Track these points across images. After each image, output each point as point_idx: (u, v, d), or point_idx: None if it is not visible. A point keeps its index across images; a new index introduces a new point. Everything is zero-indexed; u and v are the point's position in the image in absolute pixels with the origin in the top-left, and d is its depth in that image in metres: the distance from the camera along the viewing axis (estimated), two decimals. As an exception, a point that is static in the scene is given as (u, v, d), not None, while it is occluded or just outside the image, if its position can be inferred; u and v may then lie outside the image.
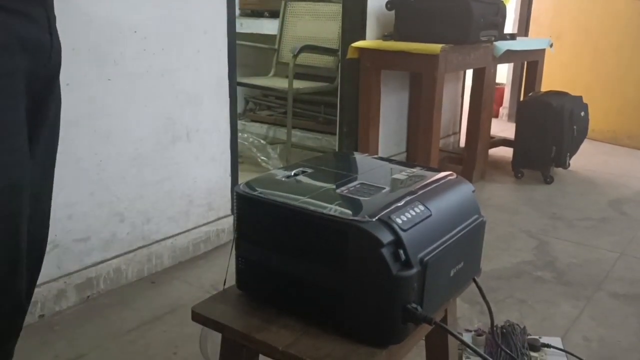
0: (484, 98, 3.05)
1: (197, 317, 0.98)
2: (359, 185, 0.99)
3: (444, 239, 0.93)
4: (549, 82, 3.88)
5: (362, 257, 0.85)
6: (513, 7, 4.79)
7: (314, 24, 3.65)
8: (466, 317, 1.74)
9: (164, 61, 1.90)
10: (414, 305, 0.86)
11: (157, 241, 2.01)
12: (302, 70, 3.49)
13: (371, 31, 2.88)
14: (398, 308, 0.85)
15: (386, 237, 0.83)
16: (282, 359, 0.88)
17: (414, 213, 0.90)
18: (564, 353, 1.56)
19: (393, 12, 2.78)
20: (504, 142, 3.62)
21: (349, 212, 0.88)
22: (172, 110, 1.97)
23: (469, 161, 3.15)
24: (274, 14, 3.85)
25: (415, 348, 1.10)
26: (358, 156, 1.30)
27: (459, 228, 0.97)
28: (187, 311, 1.00)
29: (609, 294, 1.95)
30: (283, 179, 1.03)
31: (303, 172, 1.05)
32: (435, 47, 2.55)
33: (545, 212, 2.74)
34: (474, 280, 1.07)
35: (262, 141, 3.36)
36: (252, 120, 3.97)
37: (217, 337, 0.99)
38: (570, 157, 3.23)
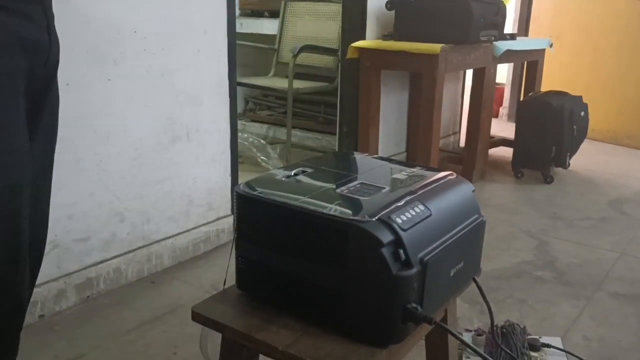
0: (484, 98, 3.05)
1: (197, 317, 0.98)
2: (359, 185, 0.99)
3: (444, 238, 0.93)
4: (549, 82, 3.88)
5: (362, 257, 0.85)
6: (513, 7, 4.79)
7: (314, 24, 3.65)
8: (466, 317, 1.74)
9: (164, 61, 1.90)
10: (414, 305, 0.86)
11: (157, 241, 2.01)
12: (302, 70, 3.49)
13: (371, 31, 2.88)
14: (398, 308, 0.85)
15: (386, 236, 0.83)
16: (282, 359, 0.88)
17: (414, 213, 0.90)
18: (564, 353, 1.56)
19: (393, 12, 2.78)
20: (504, 142, 3.62)
21: (349, 211, 0.88)
22: (172, 110, 1.97)
23: (469, 161, 3.15)
24: (274, 14, 3.85)
25: (415, 348, 1.10)
26: (358, 156, 1.30)
27: (459, 228, 0.97)
28: (187, 311, 1.00)
29: (609, 294, 1.95)
30: (283, 178, 1.03)
31: (303, 172, 1.05)
32: (435, 47, 2.55)
33: (545, 212, 2.74)
34: (474, 280, 1.07)
35: (262, 141, 3.36)
36: (252, 120, 3.97)
37: (217, 337, 0.99)
38: (570, 157, 3.23)
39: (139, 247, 1.96)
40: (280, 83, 3.44)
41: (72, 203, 1.73)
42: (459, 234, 0.96)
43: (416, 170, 1.10)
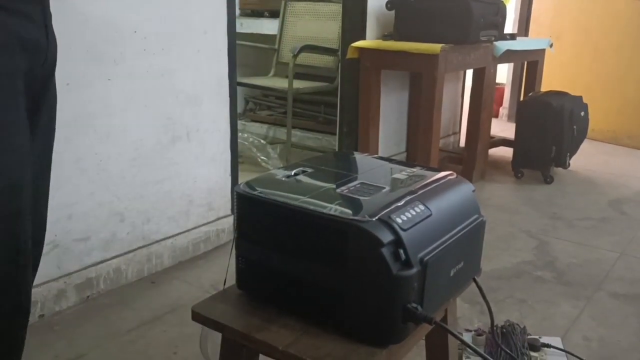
0: (484, 98, 3.05)
1: (197, 316, 0.98)
2: (359, 185, 0.99)
3: (444, 238, 0.93)
4: (549, 82, 3.88)
5: (362, 257, 0.85)
6: (513, 7, 4.79)
7: (314, 24, 3.65)
8: (466, 317, 1.74)
9: (164, 61, 1.90)
10: (414, 305, 0.86)
11: (157, 241, 2.01)
12: (302, 70, 3.49)
13: (371, 31, 2.88)
14: (398, 308, 0.85)
15: (386, 236, 0.83)
16: (282, 359, 0.88)
17: (414, 213, 0.90)
18: (564, 353, 1.56)
19: (393, 12, 2.78)
20: (504, 142, 3.62)
21: (349, 211, 0.88)
22: (172, 110, 1.97)
23: (469, 161, 3.15)
24: (274, 14, 3.85)
25: (415, 348, 1.10)
26: (358, 156, 1.30)
27: (459, 228, 0.97)
28: (187, 311, 1.00)
29: (609, 294, 1.95)
30: (283, 178, 1.03)
31: (303, 171, 1.05)
32: (435, 47, 2.55)
33: (545, 212, 2.74)
34: (474, 280, 1.07)
35: (262, 141, 3.36)
36: (252, 120, 3.97)
37: (217, 337, 0.99)
38: (570, 157, 3.23)
39: (139, 247, 1.96)
40: (280, 83, 3.44)
41: (72, 203, 1.73)
42: (459, 234, 0.96)
43: (416, 170, 1.10)
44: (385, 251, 0.83)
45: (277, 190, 0.97)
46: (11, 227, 0.90)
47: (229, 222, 2.26)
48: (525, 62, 3.71)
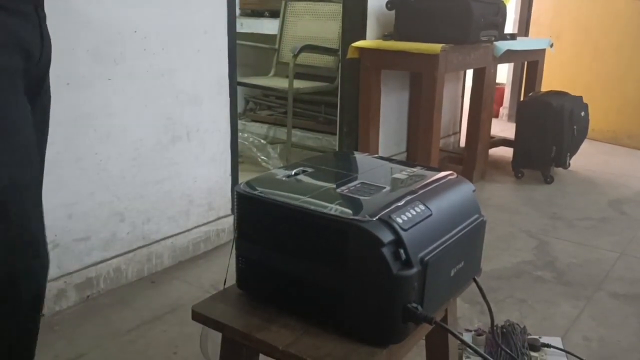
0: (484, 98, 3.05)
1: (197, 316, 0.98)
2: (359, 185, 0.99)
3: (444, 238, 0.93)
4: (549, 82, 3.88)
5: (363, 257, 0.85)
6: (513, 7, 4.79)
7: (314, 24, 3.65)
8: (466, 316, 1.74)
9: (164, 61, 1.90)
10: (414, 304, 0.86)
11: (157, 241, 2.01)
12: (302, 70, 3.49)
13: (371, 31, 2.88)
14: (398, 307, 0.85)
15: (386, 236, 0.83)
16: (283, 359, 0.88)
17: (414, 212, 0.90)
18: (564, 353, 1.56)
19: (393, 12, 2.78)
20: (504, 142, 3.62)
21: (350, 211, 0.88)
22: (172, 110, 1.97)
23: (469, 161, 3.15)
24: (274, 14, 3.85)
25: (415, 348, 1.10)
26: (358, 156, 1.30)
27: (459, 228, 0.97)
28: (187, 311, 1.00)
29: (609, 294, 1.95)
30: (283, 178, 1.03)
31: (303, 171, 1.05)
32: (436, 47, 2.55)
33: (545, 212, 2.74)
34: (474, 280, 1.07)
35: (262, 141, 3.36)
36: (253, 120, 3.97)
37: (217, 336, 0.99)
38: (571, 157, 3.23)
39: (139, 247, 1.96)
40: (281, 83, 3.44)
41: (72, 203, 1.73)
42: (460, 234, 0.96)
43: (416, 170, 1.10)
44: (386, 251, 0.83)
45: (277, 190, 0.97)
46: (15, 226, 0.91)
47: (229, 222, 2.26)
48: (526, 62, 3.71)
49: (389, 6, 2.78)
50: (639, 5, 4.00)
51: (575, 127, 3.18)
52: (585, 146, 3.42)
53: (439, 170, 1.10)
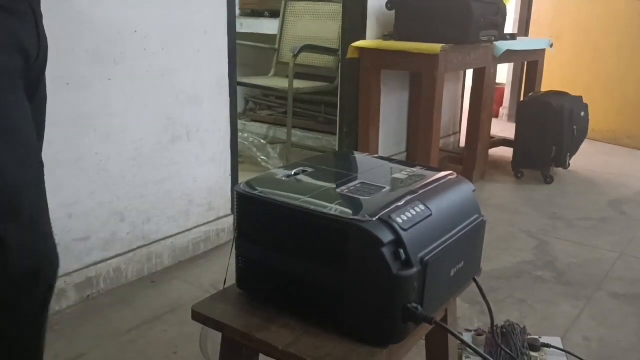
0: (484, 98, 3.05)
1: (197, 316, 0.98)
2: (359, 185, 0.99)
3: (444, 238, 0.93)
4: (549, 82, 3.88)
5: (363, 257, 0.85)
6: (513, 7, 4.79)
7: (314, 24, 3.65)
8: (466, 316, 1.74)
9: (164, 61, 1.90)
10: (414, 304, 0.86)
11: (157, 241, 2.01)
12: (302, 70, 3.49)
13: (371, 31, 2.88)
14: (398, 307, 0.85)
15: (386, 236, 0.83)
16: (283, 359, 0.88)
17: (414, 212, 0.90)
18: (564, 353, 1.56)
19: (393, 12, 2.78)
20: (504, 142, 3.62)
21: (350, 211, 0.88)
22: (172, 110, 1.97)
23: (469, 161, 3.15)
24: (274, 14, 3.85)
25: (415, 348, 1.10)
26: (358, 156, 1.30)
27: (459, 228, 0.97)
28: (187, 311, 1.00)
29: (609, 294, 1.95)
30: (283, 178, 1.03)
31: (303, 171, 1.05)
32: (436, 47, 2.55)
33: (545, 212, 2.74)
34: (474, 280, 1.07)
35: (262, 141, 3.36)
36: (253, 120, 3.97)
37: (217, 336, 1.00)
38: (570, 157, 3.23)
39: (139, 247, 1.96)
40: (281, 83, 3.44)
41: (72, 202, 1.73)
42: (460, 234, 0.96)
43: (416, 170, 1.10)
44: (386, 251, 0.83)
45: (277, 190, 0.97)
46: (11, 225, 0.91)
47: (229, 221, 2.26)
48: (526, 62, 3.71)
49: (389, 6, 2.78)
50: (639, 6, 4.00)
51: (575, 127, 3.18)
52: (585, 146, 3.42)
53: (439, 170, 1.10)
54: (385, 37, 2.86)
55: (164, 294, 1.88)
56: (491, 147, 3.43)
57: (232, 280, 1.03)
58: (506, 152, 3.55)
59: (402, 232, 0.84)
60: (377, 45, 2.74)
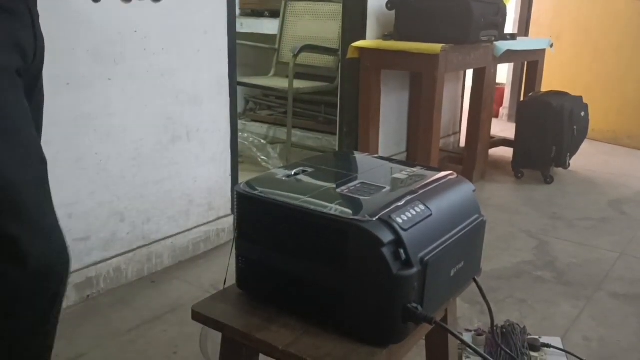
0: (484, 98, 3.05)
1: (197, 316, 0.98)
2: (359, 185, 0.99)
3: (444, 238, 0.93)
4: (549, 82, 3.88)
5: (363, 257, 0.85)
6: (513, 7, 4.79)
7: (314, 24, 3.65)
8: (466, 316, 1.74)
9: (164, 61, 1.90)
10: (414, 304, 0.86)
11: (157, 241, 2.01)
12: (303, 70, 3.49)
13: (371, 31, 2.88)
14: (398, 307, 0.85)
15: (386, 236, 0.83)
16: (283, 358, 0.88)
17: (414, 212, 0.90)
18: (564, 353, 1.56)
19: (393, 12, 2.78)
20: (504, 142, 3.62)
21: (350, 211, 0.88)
22: (172, 110, 1.97)
23: (469, 161, 3.15)
24: (274, 14, 3.85)
25: (415, 348, 1.10)
26: (358, 156, 1.30)
27: (459, 228, 0.97)
28: (187, 310, 1.00)
29: (609, 294, 1.95)
30: (283, 178, 1.03)
31: (303, 171, 1.05)
32: (436, 47, 2.55)
33: (545, 212, 2.74)
34: (474, 280, 1.07)
35: (262, 141, 3.36)
36: (253, 120, 3.97)
37: (217, 336, 1.00)
38: (571, 157, 3.23)
39: (139, 247, 1.96)
40: (281, 83, 3.44)
41: (72, 202, 1.73)
42: (460, 234, 0.96)
43: (416, 170, 1.10)
44: (386, 251, 0.83)
45: (277, 190, 0.97)
46: (10, 225, 0.91)
47: (229, 221, 2.26)
48: (526, 62, 3.71)
49: (389, 6, 2.78)
50: (639, 6, 4.00)
51: (575, 127, 3.18)
52: (585, 146, 3.42)
53: (439, 170, 1.10)
54: (385, 37, 2.86)
55: (164, 294, 1.88)
56: (491, 147, 3.43)
57: (232, 280, 1.03)
58: (506, 152, 3.55)
59: (402, 232, 0.84)
60: (377, 45, 2.74)
